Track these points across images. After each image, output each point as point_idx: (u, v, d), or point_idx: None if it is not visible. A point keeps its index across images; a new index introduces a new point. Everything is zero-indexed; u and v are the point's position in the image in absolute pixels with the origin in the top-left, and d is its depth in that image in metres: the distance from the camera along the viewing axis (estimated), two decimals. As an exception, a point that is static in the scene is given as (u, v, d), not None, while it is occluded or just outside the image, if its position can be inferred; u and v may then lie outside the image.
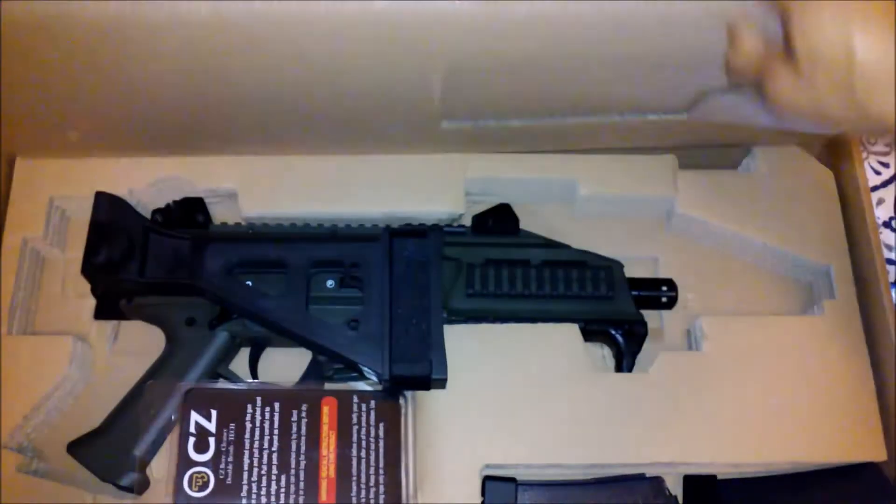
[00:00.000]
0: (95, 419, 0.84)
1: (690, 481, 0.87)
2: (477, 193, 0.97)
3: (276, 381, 0.85)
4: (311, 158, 0.95)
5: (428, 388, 0.83)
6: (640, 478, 0.87)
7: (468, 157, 0.96)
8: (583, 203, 0.97)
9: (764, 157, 0.98)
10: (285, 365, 0.88)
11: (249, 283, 0.86)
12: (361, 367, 0.82)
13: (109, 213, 0.85)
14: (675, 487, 0.87)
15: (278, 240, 0.87)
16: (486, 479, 0.84)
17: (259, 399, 0.81)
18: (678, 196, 0.95)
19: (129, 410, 0.83)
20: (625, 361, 0.89)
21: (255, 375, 0.87)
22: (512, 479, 0.85)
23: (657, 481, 0.87)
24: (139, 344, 0.90)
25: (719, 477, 0.86)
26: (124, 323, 0.92)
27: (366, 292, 0.85)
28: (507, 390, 0.85)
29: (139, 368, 0.86)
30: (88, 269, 0.82)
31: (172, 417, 0.81)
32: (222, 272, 0.84)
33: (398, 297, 0.84)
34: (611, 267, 0.91)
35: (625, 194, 0.96)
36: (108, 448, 0.81)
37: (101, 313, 0.90)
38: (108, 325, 0.92)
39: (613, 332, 0.89)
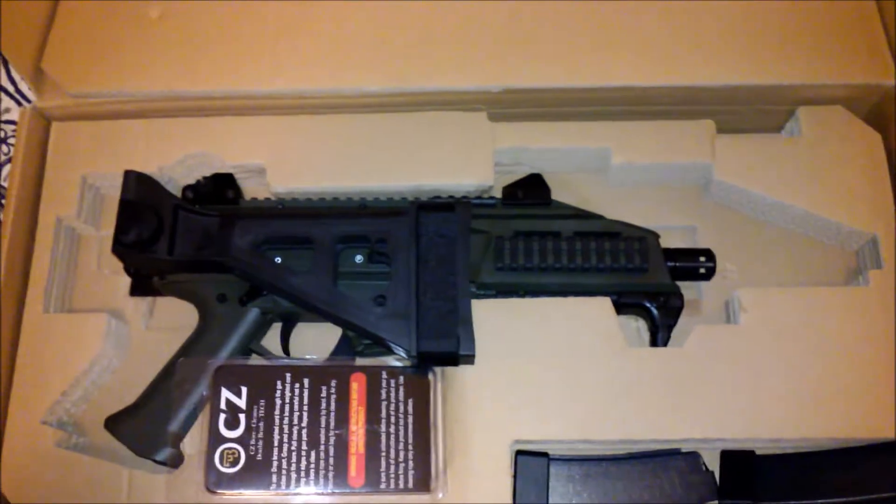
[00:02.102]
0: (132, 394, 0.85)
1: (728, 457, 0.85)
2: (507, 164, 0.95)
3: (308, 357, 0.86)
4: (339, 130, 0.94)
5: (456, 364, 0.82)
6: (675, 453, 0.85)
7: (497, 126, 0.94)
8: (617, 171, 0.94)
9: (808, 118, 0.94)
10: (317, 340, 0.89)
11: (278, 259, 0.86)
12: (389, 343, 0.81)
13: (138, 191, 0.85)
14: (713, 463, 0.85)
15: (305, 216, 0.86)
16: (518, 454, 0.83)
17: (288, 375, 0.81)
18: (716, 162, 0.92)
19: (163, 387, 0.84)
20: (660, 335, 0.87)
21: (286, 351, 0.88)
22: (544, 454, 0.85)
23: (693, 456, 0.85)
24: (174, 320, 0.91)
25: (758, 452, 0.84)
26: (159, 299, 0.93)
27: (393, 268, 0.84)
28: (537, 365, 0.84)
29: (174, 344, 0.87)
30: (118, 248, 0.83)
31: (204, 393, 0.81)
32: (251, 249, 0.84)
33: (425, 272, 0.83)
34: (645, 238, 0.88)
35: (661, 162, 0.93)
36: (144, 424, 0.82)
37: (137, 290, 0.91)
38: (144, 302, 0.93)
39: (648, 304, 0.87)
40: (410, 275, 0.83)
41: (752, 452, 0.84)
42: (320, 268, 0.84)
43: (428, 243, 0.84)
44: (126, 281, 0.91)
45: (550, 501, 0.83)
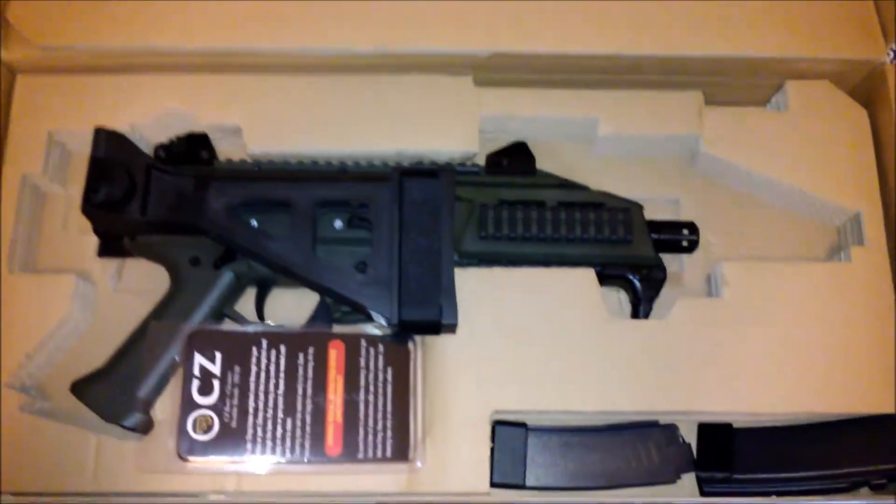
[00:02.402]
0: (99, 358, 0.82)
1: (705, 429, 0.85)
2: (491, 131, 0.93)
3: (284, 324, 0.83)
4: (319, 92, 0.91)
5: (438, 333, 0.81)
6: (652, 424, 0.85)
7: (483, 92, 0.92)
8: (603, 142, 0.92)
9: (795, 92, 0.93)
10: (293, 306, 0.86)
11: (254, 222, 0.83)
12: (370, 311, 0.79)
13: (109, 149, 0.81)
14: (690, 435, 0.85)
15: (284, 179, 0.84)
16: (496, 424, 0.82)
17: (265, 341, 0.79)
18: (703, 134, 0.91)
19: (133, 351, 0.81)
20: (642, 307, 0.86)
21: (261, 317, 0.85)
22: (522, 424, 0.84)
23: (670, 428, 0.85)
24: (143, 283, 0.88)
25: (735, 426, 0.84)
26: (128, 261, 0.90)
27: (375, 234, 0.82)
28: (519, 335, 0.83)
29: (143, 307, 0.84)
30: (88, 208, 0.80)
31: (177, 358, 0.79)
32: (226, 211, 0.82)
33: (408, 240, 0.81)
34: (629, 209, 0.87)
35: (648, 133, 0.91)
36: (112, 388, 0.80)
37: (105, 251, 0.88)
38: (112, 264, 0.89)
39: (631, 276, 0.86)
40: (393, 242, 0.81)
41: (729, 425, 0.85)
42: (299, 232, 0.81)
43: (411, 210, 0.82)
44: (94, 242, 0.88)
45: (528, 472, 0.83)
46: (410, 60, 0.90)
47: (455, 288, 0.80)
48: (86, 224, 0.86)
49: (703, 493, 0.83)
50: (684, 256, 0.92)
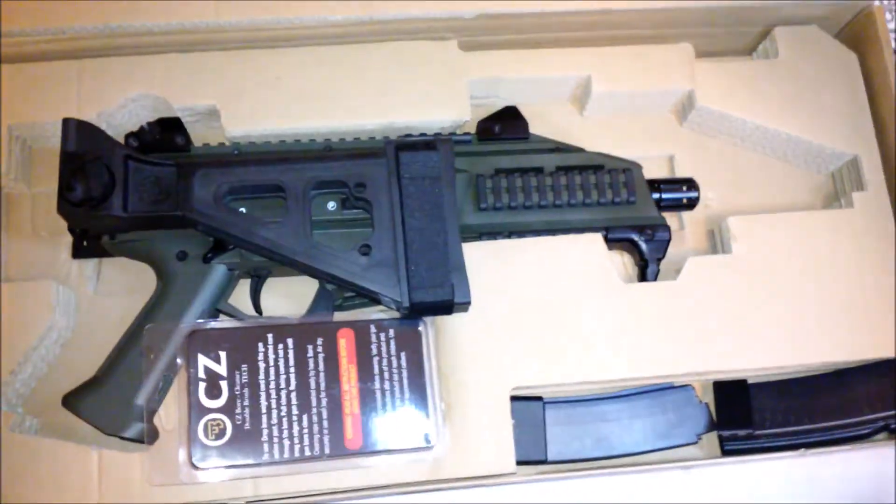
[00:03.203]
0: (85, 367, 0.77)
1: (721, 387, 0.84)
2: (479, 96, 0.90)
3: (283, 315, 0.79)
4: (297, 66, 0.85)
5: (450, 313, 0.78)
6: (667, 387, 0.84)
7: (469, 56, 0.88)
8: (596, 100, 0.90)
9: (784, 39, 0.92)
10: (290, 295, 0.82)
11: (244, 209, 0.78)
12: (378, 295, 0.76)
13: (81, 141, 0.75)
14: (706, 396, 0.84)
15: (273, 161, 0.79)
16: (512, 400, 0.80)
17: (270, 336, 0.75)
18: (697, 87, 0.89)
19: (127, 356, 0.76)
20: (649, 269, 0.84)
21: (258, 309, 0.81)
22: (538, 398, 0.82)
23: (686, 390, 0.84)
24: (125, 282, 0.83)
25: (749, 381, 0.84)
26: (105, 260, 0.84)
27: (375, 214, 0.77)
28: (531, 308, 0.80)
29: (128, 309, 0.79)
30: (65, 208, 0.73)
31: (177, 361, 0.74)
32: (214, 200, 0.76)
33: (411, 217, 0.77)
34: (630, 169, 0.85)
35: (642, 88, 0.89)
36: (108, 398, 0.75)
37: (80, 252, 0.82)
38: (89, 265, 0.84)
39: (637, 238, 0.84)
40: (395, 221, 0.77)
41: (744, 381, 0.84)
42: (294, 217, 0.77)
43: (410, 186, 0.78)
44: (67, 242, 0.82)
45: (549, 446, 0.81)
46: (391, 27, 0.86)
47: (465, 264, 0.76)
48: (56, 225, 0.80)
49: (724, 453, 0.82)
50: (684, 214, 0.90)
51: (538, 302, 0.80)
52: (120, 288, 0.83)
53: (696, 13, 0.89)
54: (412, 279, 0.75)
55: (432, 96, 0.86)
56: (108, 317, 0.81)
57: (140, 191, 0.76)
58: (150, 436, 0.74)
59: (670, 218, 0.87)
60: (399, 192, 0.78)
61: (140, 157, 0.77)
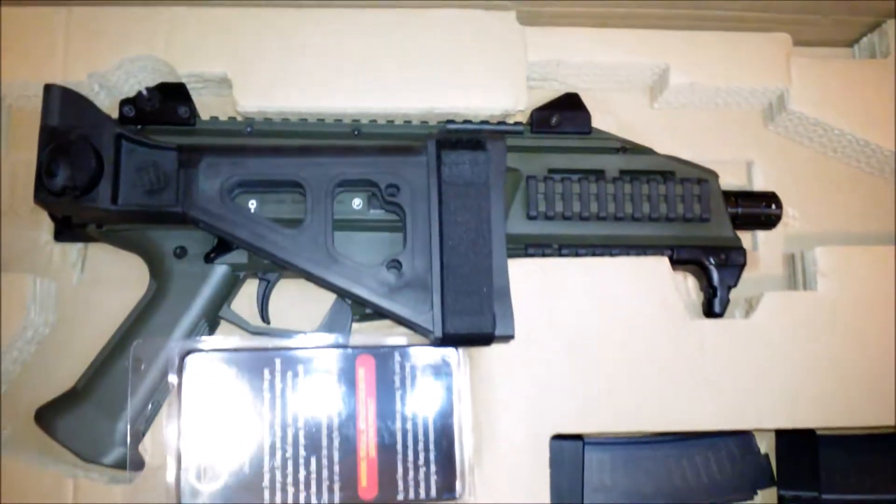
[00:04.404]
0: (67, 370, 0.68)
1: (785, 437, 0.74)
2: (534, 78, 0.77)
3: (292, 329, 0.69)
4: (326, 31, 0.72)
5: (489, 345, 0.67)
6: (724, 433, 0.74)
7: (529, 32, 0.74)
8: (671, 92, 0.77)
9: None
10: (303, 299, 0.72)
11: (253, 202, 0.67)
12: (405, 321, 0.65)
13: (65, 114, 0.63)
14: (762, 438, 0.74)
15: (292, 152, 0.67)
16: (550, 438, 0.70)
17: (278, 362, 0.64)
18: (791, 88, 0.76)
19: (112, 369, 0.66)
20: (718, 297, 0.73)
21: (265, 318, 0.70)
22: (579, 437, 0.72)
23: (745, 437, 0.74)
24: (114, 271, 0.74)
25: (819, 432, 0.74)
26: (92, 245, 0.73)
27: (408, 223, 0.66)
28: (580, 341, 0.69)
29: (116, 303, 0.70)
30: (43, 196, 0.62)
31: (169, 380, 0.64)
32: (220, 195, 0.65)
33: (450, 230, 0.65)
34: (706, 180, 0.73)
35: (726, 84, 0.76)
36: (87, 418, 0.65)
37: (64, 235, 0.71)
38: (73, 249, 0.73)
39: (707, 261, 0.72)
40: (431, 233, 0.65)
41: (812, 432, 0.74)
42: (314, 222, 0.65)
43: (452, 192, 0.66)
44: (48, 222, 0.72)
45: (587, 491, 0.72)
46: (440, -10, 0.73)
47: (510, 289, 0.65)
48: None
49: (785, 514, 0.73)
50: (760, 232, 0.78)
51: (588, 334, 0.69)
52: (108, 278, 0.74)
53: (797, 1, 0.75)
54: (447, 304, 0.64)
55: (483, 77, 0.74)
56: (92, 312, 0.72)
57: (133, 179, 0.64)
58: (134, 463, 0.65)
59: (743, 236, 0.75)
60: (438, 199, 0.66)
61: (135, 136, 0.65)
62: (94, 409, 0.65)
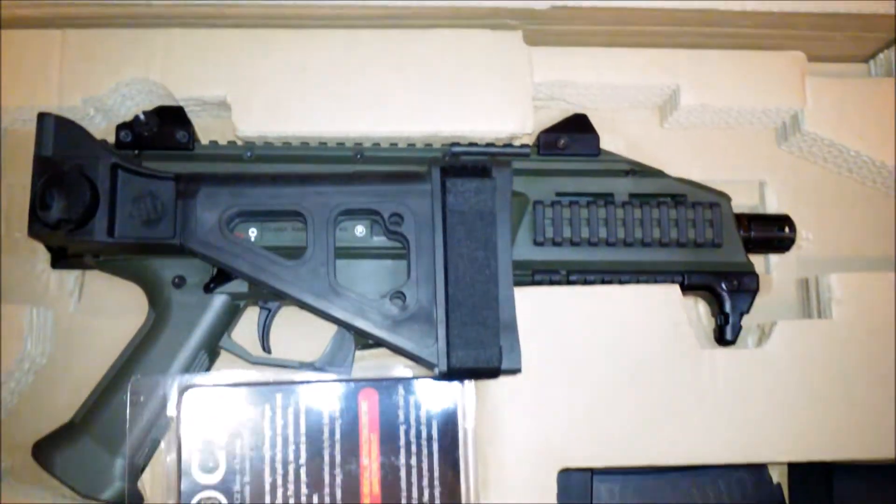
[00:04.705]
0: (65, 401, 0.67)
1: (799, 470, 0.72)
2: (540, 98, 0.75)
3: (294, 359, 0.67)
4: (328, 52, 0.70)
5: (495, 377, 0.65)
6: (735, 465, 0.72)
7: (536, 52, 0.72)
8: (682, 113, 0.75)
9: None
10: (304, 328, 0.69)
11: (253, 231, 0.66)
12: (409, 355, 0.63)
13: (59, 143, 0.61)
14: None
15: (292, 181, 0.65)
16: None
17: (279, 397, 0.63)
18: (806, 108, 0.74)
19: (110, 402, 0.65)
20: (730, 323, 0.71)
21: (266, 347, 0.68)
22: (587, 469, 0.70)
23: (757, 469, 0.72)
24: (112, 299, 0.72)
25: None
26: (90, 272, 0.71)
27: (412, 255, 0.64)
28: (587, 370, 0.68)
29: (115, 332, 0.69)
30: (38, 230, 0.60)
31: (168, 415, 0.62)
32: (219, 226, 0.63)
33: (455, 261, 0.64)
34: (718, 203, 0.71)
35: (739, 105, 0.74)
36: (85, 452, 0.64)
37: (60, 262, 0.69)
38: (70, 276, 0.72)
39: (719, 287, 0.70)
40: (436, 263, 0.64)
41: (827, 465, 0.72)
42: (316, 253, 0.64)
43: (457, 222, 0.64)
44: (44, 249, 0.70)
45: (595, 522, 0.70)
46: (443, 9, 0.70)
47: (517, 321, 0.63)
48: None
49: (798, 551, 0.71)
50: (772, 255, 0.76)
51: (597, 364, 0.68)
52: (106, 306, 0.72)
53: (812, 18, 0.72)
54: (452, 338, 0.63)
55: (488, 99, 0.72)
56: (90, 340, 0.71)
57: (130, 209, 0.63)
58: (132, 498, 0.63)
59: (756, 259, 0.73)
60: (443, 229, 0.64)
61: (131, 166, 0.63)
62: (93, 443, 0.64)
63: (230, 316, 0.67)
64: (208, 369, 0.67)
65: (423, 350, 0.63)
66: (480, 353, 0.63)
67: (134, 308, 0.69)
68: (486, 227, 0.64)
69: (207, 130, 0.71)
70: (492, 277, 0.64)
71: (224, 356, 0.68)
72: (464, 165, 0.66)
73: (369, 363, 0.68)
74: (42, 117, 0.61)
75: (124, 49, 0.69)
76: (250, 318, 0.69)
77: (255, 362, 0.67)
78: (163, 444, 0.63)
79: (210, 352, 0.67)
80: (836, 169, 0.78)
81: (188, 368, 0.65)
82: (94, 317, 0.71)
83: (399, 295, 0.64)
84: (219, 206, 0.63)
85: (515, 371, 0.63)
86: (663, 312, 0.69)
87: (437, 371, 0.63)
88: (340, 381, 0.64)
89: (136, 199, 0.63)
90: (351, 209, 0.64)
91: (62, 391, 0.68)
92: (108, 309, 0.71)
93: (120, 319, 0.69)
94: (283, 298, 0.65)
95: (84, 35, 0.69)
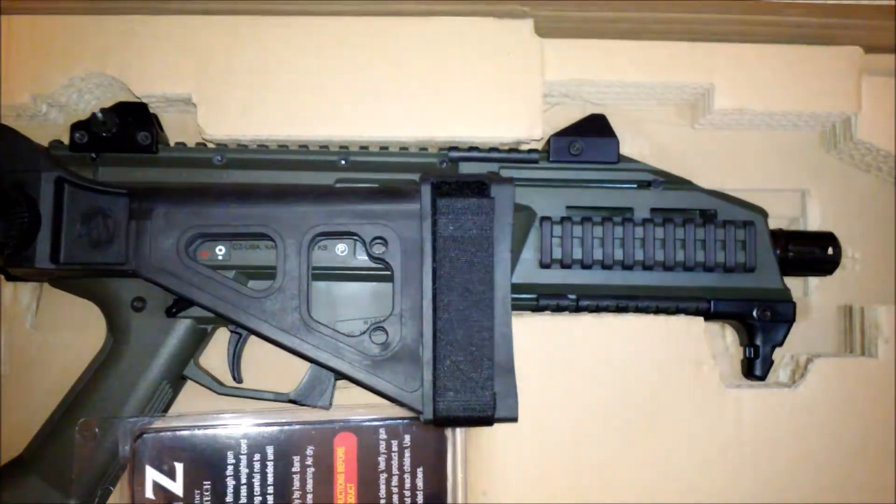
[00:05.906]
0: (19, 428, 0.61)
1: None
2: (553, 95, 0.66)
3: (265, 389, 0.60)
4: (308, 41, 0.62)
5: (490, 425, 0.58)
6: None
7: (548, 44, 0.63)
8: (716, 115, 0.65)
9: None
10: (279, 354, 0.61)
11: (221, 249, 0.58)
12: (391, 400, 0.56)
13: (-4, 155, 0.54)
14: None
15: (261, 199, 0.57)
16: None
17: (244, 444, 0.56)
18: (860, 113, 0.64)
19: (62, 436, 0.58)
20: (761, 356, 0.63)
21: (236, 375, 0.62)
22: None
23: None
24: (71, 315, 0.65)
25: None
26: (48, 286, 0.64)
27: (396, 284, 0.56)
28: (597, 413, 0.61)
29: (73, 350, 0.63)
30: (-28, 254, 0.54)
31: (121, 460, 0.56)
32: (177, 251, 0.56)
33: (445, 294, 0.56)
34: (752, 222, 0.62)
35: (782, 109, 0.64)
36: (33, 491, 0.58)
37: (13, 275, 0.62)
38: (26, 290, 0.65)
39: (749, 316, 0.62)
40: (423, 295, 0.56)
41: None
42: (286, 283, 0.56)
43: (450, 248, 0.56)
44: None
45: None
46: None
47: (514, 364, 0.56)
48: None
49: None
50: (812, 277, 0.68)
51: (607, 403, 0.61)
52: (66, 321, 0.65)
53: (870, 9, 0.62)
54: (439, 381, 0.55)
55: (493, 100, 0.63)
56: (47, 359, 0.65)
57: (77, 230, 0.56)
58: (86, 545, 0.58)
59: (794, 281, 0.65)
60: (432, 256, 0.56)
61: (78, 180, 0.56)
62: (41, 482, 0.58)
63: (196, 341, 0.61)
64: (171, 400, 0.61)
65: (405, 395, 0.56)
66: (472, 400, 0.55)
67: (96, 323, 0.62)
68: (483, 255, 0.56)
69: (174, 127, 0.63)
70: (487, 313, 0.56)
71: (190, 385, 0.62)
72: (458, 182, 0.57)
73: (353, 393, 0.60)
74: (-24, 123, 0.54)
75: (77, 39, 0.61)
76: (222, 339, 0.62)
77: (224, 393, 0.61)
78: (117, 491, 0.57)
79: (173, 382, 0.60)
80: (889, 178, 0.68)
81: (148, 402, 0.59)
82: (53, 333, 0.65)
83: (380, 331, 0.56)
84: (176, 228, 0.56)
85: (511, 420, 0.56)
86: (684, 348, 0.61)
87: (422, 419, 0.56)
88: (314, 424, 0.57)
89: (84, 217, 0.56)
90: (327, 231, 0.57)
91: (17, 414, 0.63)
92: (69, 324, 0.65)
93: (81, 336, 0.64)
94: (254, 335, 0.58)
95: (30, 21, 0.61)
